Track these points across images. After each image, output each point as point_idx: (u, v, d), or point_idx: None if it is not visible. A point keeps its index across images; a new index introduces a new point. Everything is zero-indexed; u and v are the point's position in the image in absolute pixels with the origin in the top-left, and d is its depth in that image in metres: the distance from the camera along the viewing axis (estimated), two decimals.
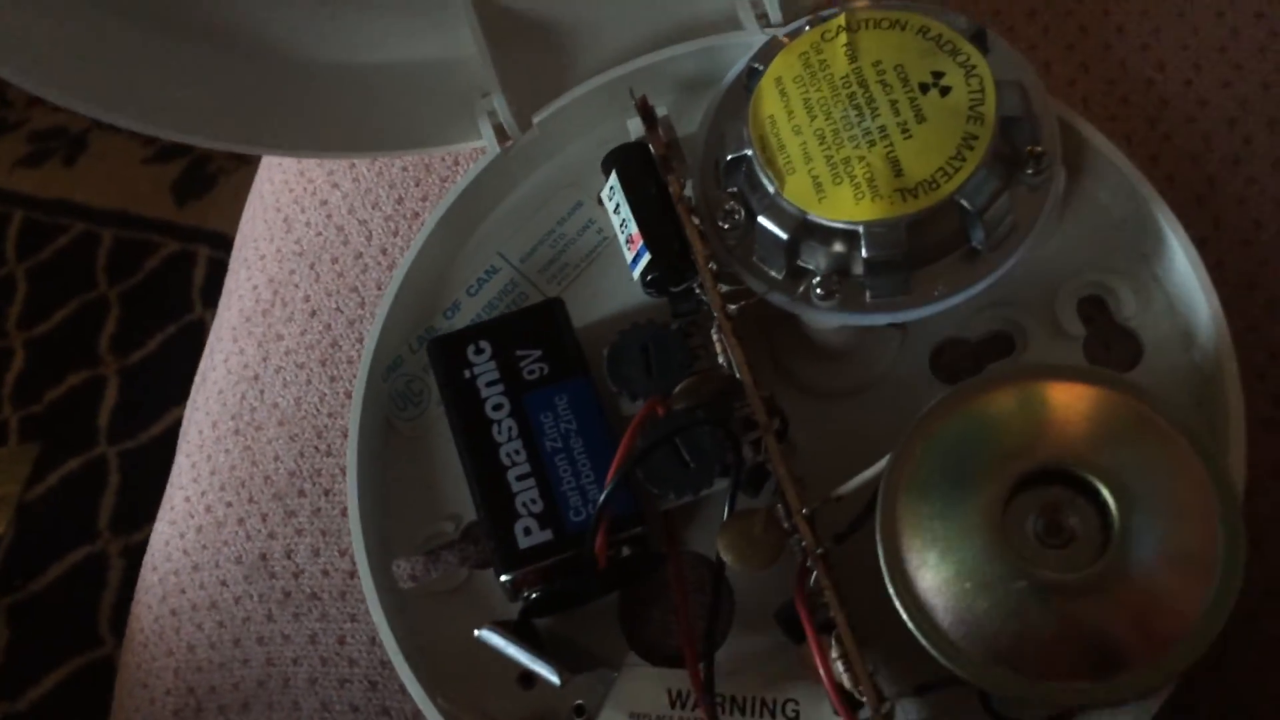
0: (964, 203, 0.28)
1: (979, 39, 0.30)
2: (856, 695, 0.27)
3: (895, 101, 0.29)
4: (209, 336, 0.45)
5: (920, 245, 0.29)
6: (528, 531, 0.30)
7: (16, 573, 0.83)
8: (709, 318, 0.31)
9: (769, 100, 0.31)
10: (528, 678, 0.31)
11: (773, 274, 0.30)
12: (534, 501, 0.30)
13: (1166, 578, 0.25)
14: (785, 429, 0.30)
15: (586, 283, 0.35)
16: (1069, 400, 0.27)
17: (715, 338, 0.30)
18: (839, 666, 0.27)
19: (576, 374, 0.32)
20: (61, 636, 0.80)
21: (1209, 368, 0.30)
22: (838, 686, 0.27)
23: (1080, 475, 0.26)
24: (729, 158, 0.31)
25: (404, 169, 0.42)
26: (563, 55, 0.37)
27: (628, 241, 0.32)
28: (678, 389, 0.30)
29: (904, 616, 0.26)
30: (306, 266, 0.42)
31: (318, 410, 0.40)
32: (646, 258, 0.31)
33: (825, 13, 0.32)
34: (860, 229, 0.29)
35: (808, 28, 0.31)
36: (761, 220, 0.30)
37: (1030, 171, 0.29)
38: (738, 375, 0.30)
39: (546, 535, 0.30)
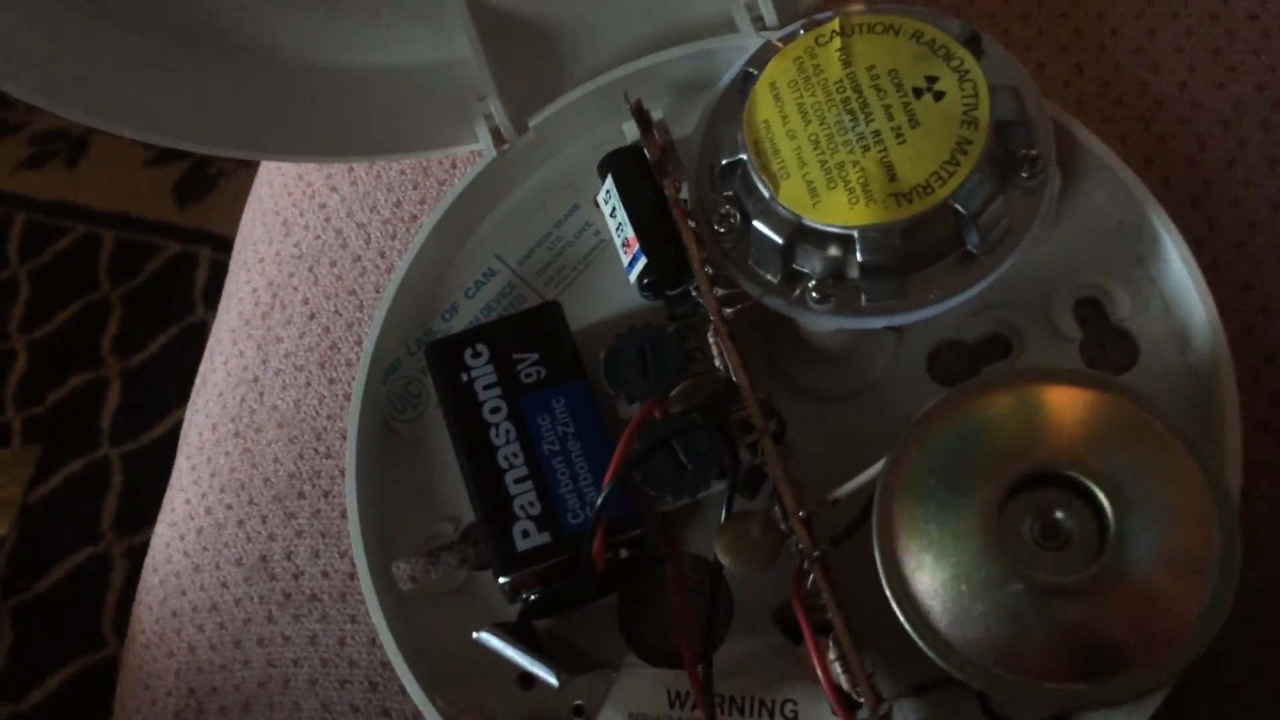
0: (958, 207, 0.29)
1: (973, 43, 0.30)
2: (854, 696, 0.27)
3: (889, 106, 0.30)
4: (209, 339, 0.45)
5: (915, 249, 0.29)
6: (526, 534, 0.30)
7: (20, 574, 0.83)
8: (705, 321, 0.31)
9: (763, 104, 0.31)
10: (527, 678, 0.31)
11: (768, 277, 0.30)
12: (532, 504, 0.30)
13: (1163, 579, 0.25)
14: (782, 431, 0.30)
15: (583, 285, 0.35)
16: (1065, 404, 0.27)
17: (712, 341, 0.30)
18: (837, 667, 0.27)
19: (574, 377, 0.32)
20: (65, 638, 0.80)
21: (1205, 369, 0.30)
22: (836, 687, 0.27)
23: (1076, 478, 0.26)
24: (724, 162, 0.31)
25: (401, 172, 0.42)
26: (558, 59, 0.37)
27: (624, 245, 0.32)
28: (675, 392, 0.30)
29: (901, 619, 0.26)
30: (305, 269, 0.42)
31: (317, 412, 0.40)
32: (643, 261, 0.31)
33: (819, 16, 0.32)
34: (855, 233, 0.29)
35: (802, 32, 0.31)
36: (757, 224, 0.30)
37: (1025, 175, 0.29)
38: (734, 378, 0.30)
39: (544, 538, 0.30)
